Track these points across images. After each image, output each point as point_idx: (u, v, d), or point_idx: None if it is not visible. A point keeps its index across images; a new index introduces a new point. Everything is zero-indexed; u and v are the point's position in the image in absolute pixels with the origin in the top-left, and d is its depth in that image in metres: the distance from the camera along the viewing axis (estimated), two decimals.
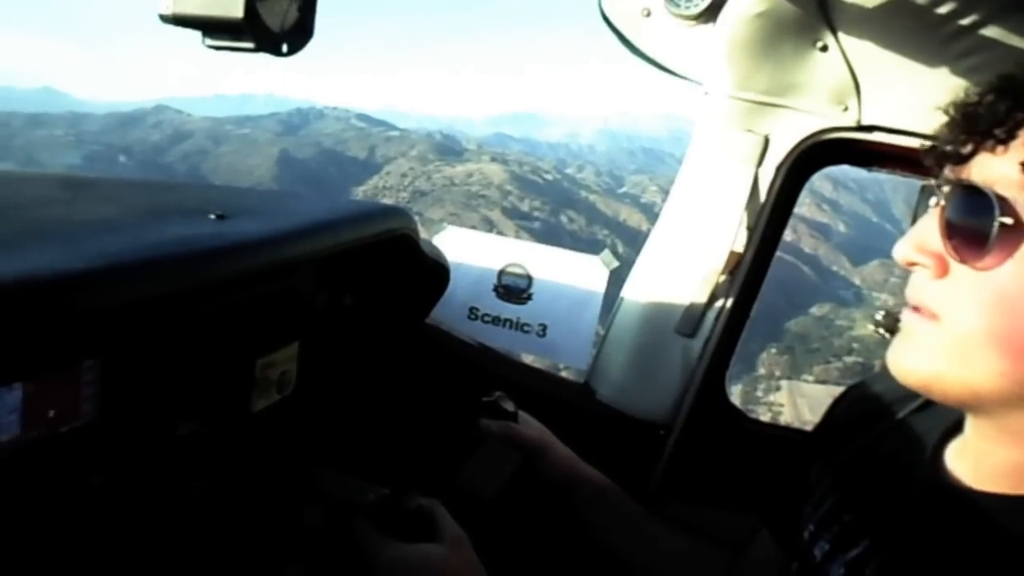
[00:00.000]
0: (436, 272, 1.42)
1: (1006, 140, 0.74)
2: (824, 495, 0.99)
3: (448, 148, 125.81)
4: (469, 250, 1.60)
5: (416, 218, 1.31)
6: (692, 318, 1.51)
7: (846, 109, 1.44)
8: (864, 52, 1.39)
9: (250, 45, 0.72)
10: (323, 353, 1.22)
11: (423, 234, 1.36)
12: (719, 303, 1.53)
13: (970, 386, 0.75)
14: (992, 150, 0.75)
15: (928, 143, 0.83)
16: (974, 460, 0.83)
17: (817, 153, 1.50)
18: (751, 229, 1.50)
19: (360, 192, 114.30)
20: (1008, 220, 0.71)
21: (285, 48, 0.76)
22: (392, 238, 1.24)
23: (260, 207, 1.14)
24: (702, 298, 1.50)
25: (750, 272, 1.53)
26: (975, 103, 0.78)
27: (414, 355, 1.48)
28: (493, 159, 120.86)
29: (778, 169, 1.49)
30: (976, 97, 0.79)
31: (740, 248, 1.50)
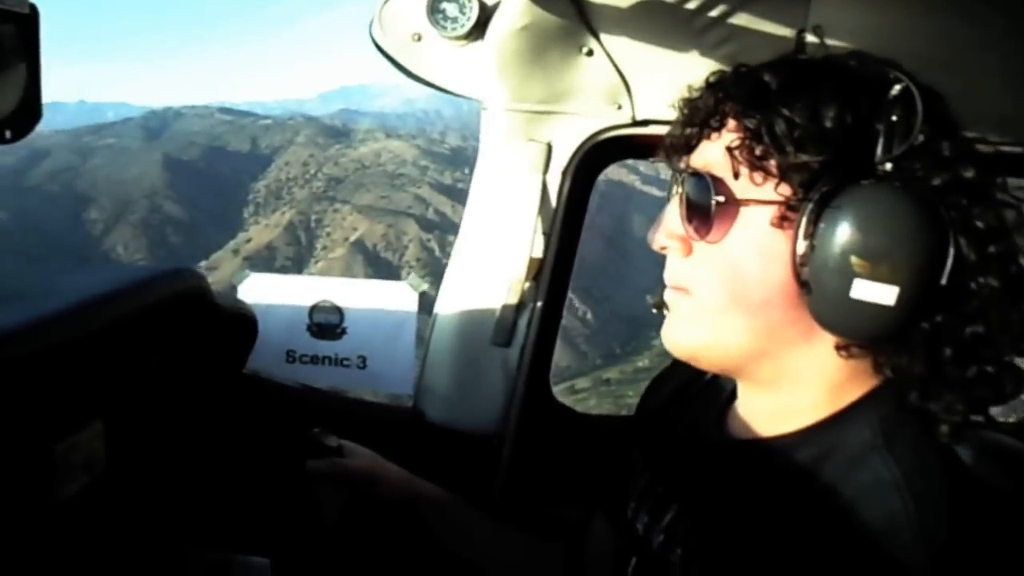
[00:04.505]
0: (241, 322, 1.41)
1: (718, 128, 0.86)
2: (641, 472, 1.07)
3: (334, 130, 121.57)
4: (276, 294, 1.59)
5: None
6: (505, 328, 1.54)
7: (620, 107, 1.49)
8: (627, 52, 1.44)
9: None
10: (136, 423, 1.19)
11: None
12: (529, 309, 1.56)
13: (726, 349, 0.86)
14: (709, 137, 0.87)
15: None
16: (743, 415, 0.94)
17: (599, 153, 1.54)
18: (547, 234, 1.54)
19: (262, 187, 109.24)
20: (721, 198, 0.83)
21: (8, 134, 0.75)
22: (181, 299, 1.21)
23: (26, 291, 1.09)
24: (511, 307, 1.54)
25: (553, 276, 1.57)
26: (696, 99, 0.90)
27: (234, 407, 1.47)
28: (388, 135, 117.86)
29: (564, 173, 1.53)
30: (696, 93, 0.91)
31: (540, 254, 1.54)
